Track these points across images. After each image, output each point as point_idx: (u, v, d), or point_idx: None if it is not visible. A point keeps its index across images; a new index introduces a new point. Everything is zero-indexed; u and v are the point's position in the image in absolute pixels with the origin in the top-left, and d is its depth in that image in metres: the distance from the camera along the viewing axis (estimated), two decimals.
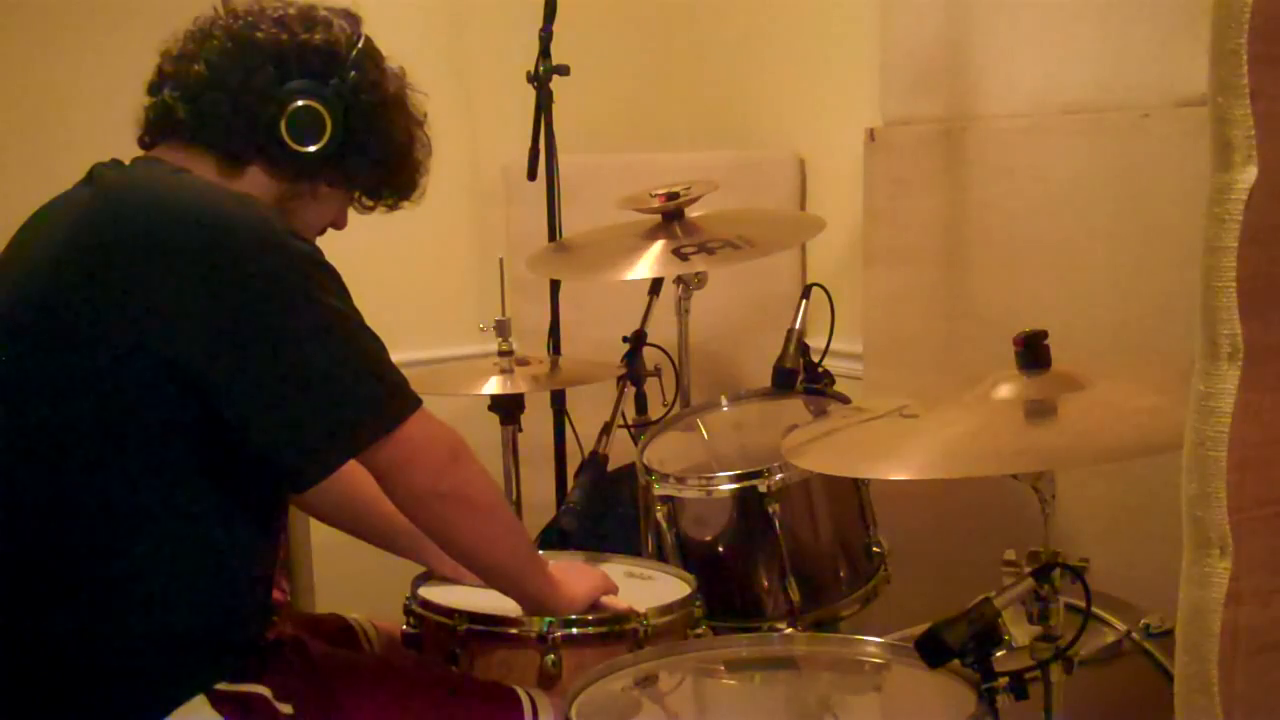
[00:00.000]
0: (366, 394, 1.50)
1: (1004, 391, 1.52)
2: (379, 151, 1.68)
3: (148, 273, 1.43)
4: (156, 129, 1.63)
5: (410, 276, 2.99)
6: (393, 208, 1.78)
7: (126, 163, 1.60)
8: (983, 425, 1.50)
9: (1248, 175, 0.97)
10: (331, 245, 2.97)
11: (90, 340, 1.43)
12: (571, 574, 1.78)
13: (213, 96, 1.58)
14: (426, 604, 1.81)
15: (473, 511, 1.61)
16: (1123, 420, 1.47)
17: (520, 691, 1.64)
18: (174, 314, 1.42)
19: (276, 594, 1.69)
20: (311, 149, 1.60)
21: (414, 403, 1.54)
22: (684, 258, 2.19)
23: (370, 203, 1.76)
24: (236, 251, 1.44)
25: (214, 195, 1.52)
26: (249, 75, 1.58)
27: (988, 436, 1.48)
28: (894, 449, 1.57)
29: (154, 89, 1.63)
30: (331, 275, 1.53)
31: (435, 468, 1.56)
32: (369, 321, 1.56)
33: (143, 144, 1.65)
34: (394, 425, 1.50)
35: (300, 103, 1.59)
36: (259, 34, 1.60)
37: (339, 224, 1.76)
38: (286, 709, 1.52)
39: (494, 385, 2.28)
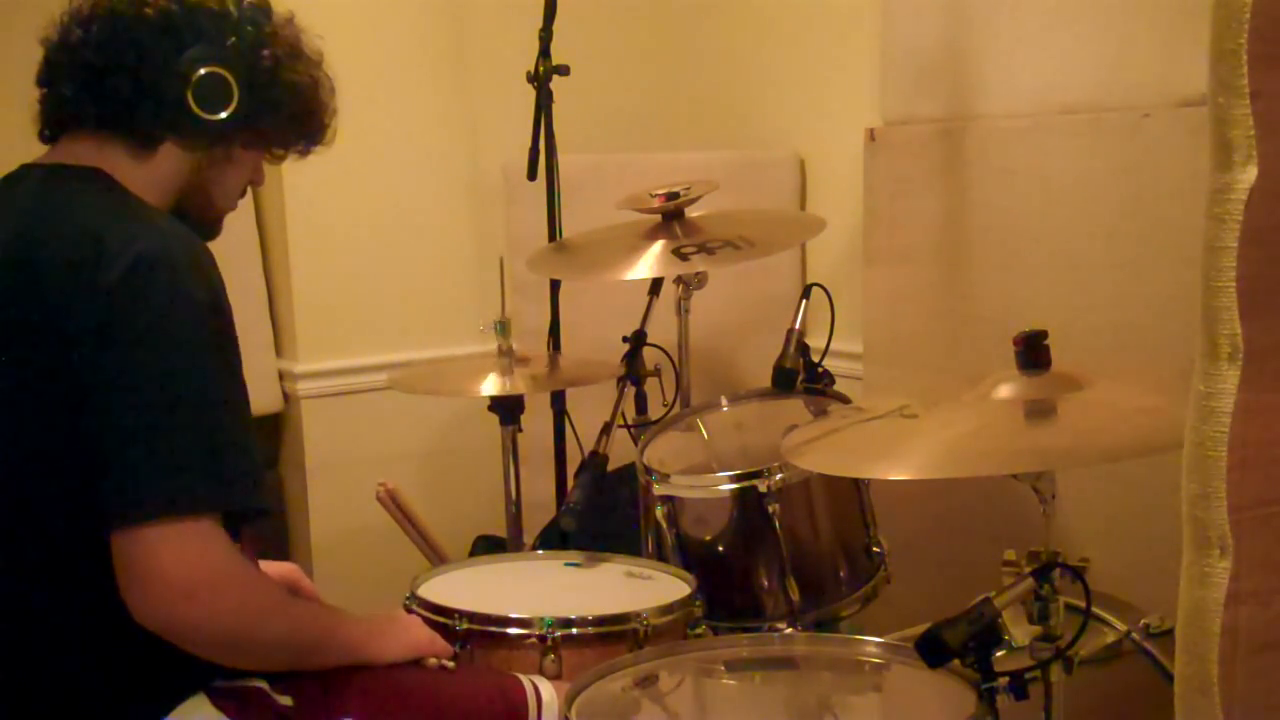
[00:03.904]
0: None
1: (1004, 391, 1.52)
2: (288, 104, 1.63)
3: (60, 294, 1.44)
4: (57, 122, 1.59)
5: (410, 276, 2.99)
6: (304, 154, 1.73)
7: (39, 164, 1.58)
8: (983, 425, 1.50)
9: (1248, 175, 0.97)
10: (331, 245, 2.98)
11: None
12: (390, 629, 1.67)
13: (112, 82, 1.53)
14: (426, 604, 1.80)
15: (210, 646, 1.46)
16: (1123, 420, 1.47)
17: (523, 678, 1.64)
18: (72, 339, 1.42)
19: None
20: (222, 115, 1.55)
21: (200, 504, 1.41)
22: (684, 258, 2.19)
23: (282, 153, 1.71)
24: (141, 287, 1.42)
25: (136, 228, 1.48)
26: (144, 52, 1.53)
27: (988, 436, 1.48)
28: (894, 449, 1.57)
29: (44, 81, 1.59)
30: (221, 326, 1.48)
31: (158, 595, 1.40)
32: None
33: (44, 138, 1.61)
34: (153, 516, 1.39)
35: (203, 71, 1.53)
36: (146, 8, 1.54)
37: (257, 181, 1.72)
38: (285, 700, 1.52)
39: (493, 385, 2.28)
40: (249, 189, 1.72)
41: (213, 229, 1.68)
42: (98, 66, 1.53)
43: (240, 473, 1.46)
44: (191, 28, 1.55)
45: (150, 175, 1.58)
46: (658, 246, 2.23)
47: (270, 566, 1.87)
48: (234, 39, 1.56)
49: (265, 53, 1.59)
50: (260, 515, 1.52)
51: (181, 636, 1.42)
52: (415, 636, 1.67)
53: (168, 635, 1.41)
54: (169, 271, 1.44)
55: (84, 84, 1.55)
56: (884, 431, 1.63)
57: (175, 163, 1.59)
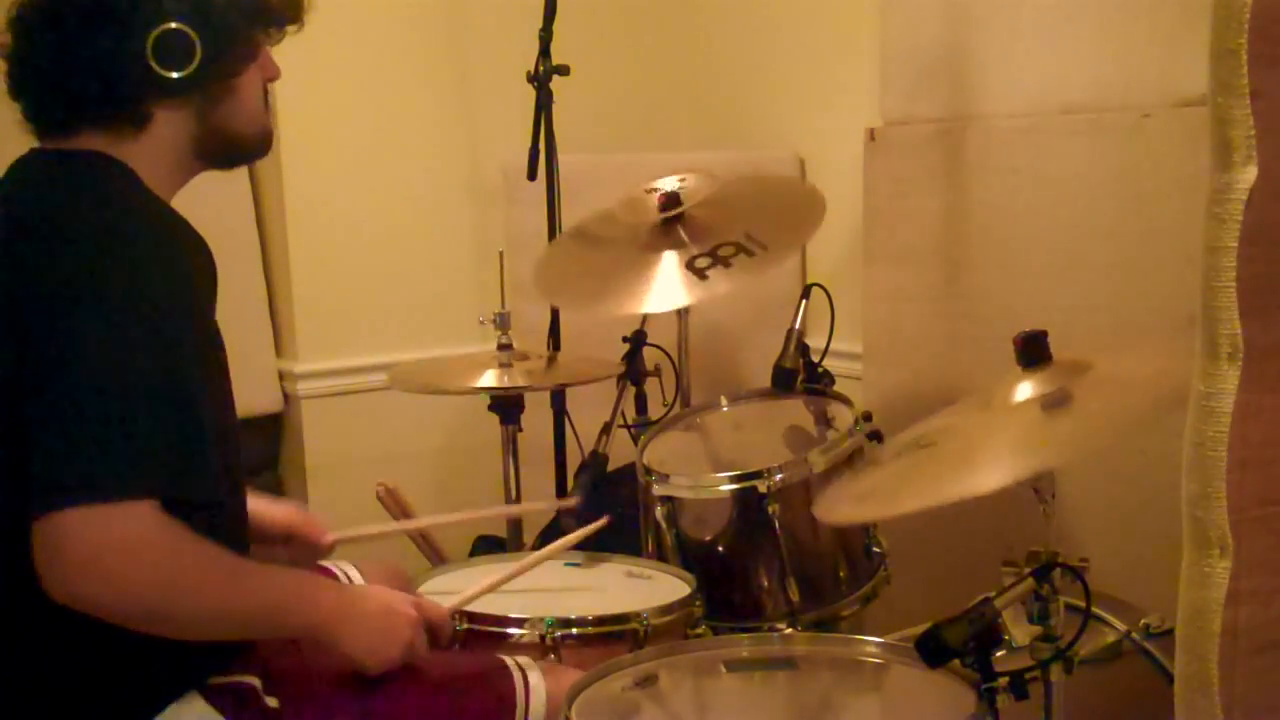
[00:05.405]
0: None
1: (1020, 394, 1.49)
2: (245, 11, 1.55)
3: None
4: (41, 128, 1.53)
5: (410, 276, 2.99)
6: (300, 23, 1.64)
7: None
8: (1011, 426, 1.48)
9: (1248, 175, 0.98)
10: (331, 245, 2.98)
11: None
12: (363, 621, 1.52)
13: (79, 84, 1.47)
14: None
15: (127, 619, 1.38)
16: (1132, 390, 1.45)
17: (511, 665, 1.62)
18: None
19: None
20: (196, 62, 1.47)
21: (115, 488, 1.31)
22: (702, 275, 2.13)
23: (279, 35, 1.63)
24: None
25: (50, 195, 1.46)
26: (93, 42, 1.45)
27: (1021, 435, 1.46)
28: (959, 468, 1.51)
29: (12, 95, 1.52)
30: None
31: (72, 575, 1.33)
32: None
33: (39, 138, 1.55)
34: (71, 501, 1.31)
35: (165, 35, 1.45)
36: None
37: (273, 76, 1.63)
38: (272, 702, 1.51)
39: (491, 379, 2.28)
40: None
41: (260, 149, 1.63)
42: (58, 74, 1.47)
43: (174, 457, 1.37)
44: None
45: (154, 147, 1.52)
46: (669, 261, 2.17)
47: (270, 510, 1.80)
48: None
49: None
50: (202, 503, 1.41)
51: (97, 611, 1.35)
52: (390, 641, 1.53)
53: (86, 610, 1.34)
54: (92, 245, 1.39)
55: (48, 96, 1.50)
56: (931, 459, 1.57)
57: (176, 123, 1.53)
